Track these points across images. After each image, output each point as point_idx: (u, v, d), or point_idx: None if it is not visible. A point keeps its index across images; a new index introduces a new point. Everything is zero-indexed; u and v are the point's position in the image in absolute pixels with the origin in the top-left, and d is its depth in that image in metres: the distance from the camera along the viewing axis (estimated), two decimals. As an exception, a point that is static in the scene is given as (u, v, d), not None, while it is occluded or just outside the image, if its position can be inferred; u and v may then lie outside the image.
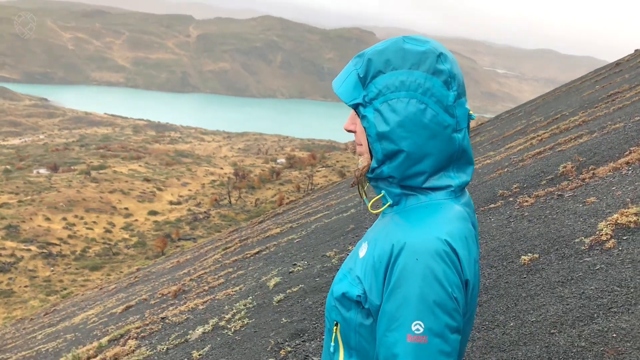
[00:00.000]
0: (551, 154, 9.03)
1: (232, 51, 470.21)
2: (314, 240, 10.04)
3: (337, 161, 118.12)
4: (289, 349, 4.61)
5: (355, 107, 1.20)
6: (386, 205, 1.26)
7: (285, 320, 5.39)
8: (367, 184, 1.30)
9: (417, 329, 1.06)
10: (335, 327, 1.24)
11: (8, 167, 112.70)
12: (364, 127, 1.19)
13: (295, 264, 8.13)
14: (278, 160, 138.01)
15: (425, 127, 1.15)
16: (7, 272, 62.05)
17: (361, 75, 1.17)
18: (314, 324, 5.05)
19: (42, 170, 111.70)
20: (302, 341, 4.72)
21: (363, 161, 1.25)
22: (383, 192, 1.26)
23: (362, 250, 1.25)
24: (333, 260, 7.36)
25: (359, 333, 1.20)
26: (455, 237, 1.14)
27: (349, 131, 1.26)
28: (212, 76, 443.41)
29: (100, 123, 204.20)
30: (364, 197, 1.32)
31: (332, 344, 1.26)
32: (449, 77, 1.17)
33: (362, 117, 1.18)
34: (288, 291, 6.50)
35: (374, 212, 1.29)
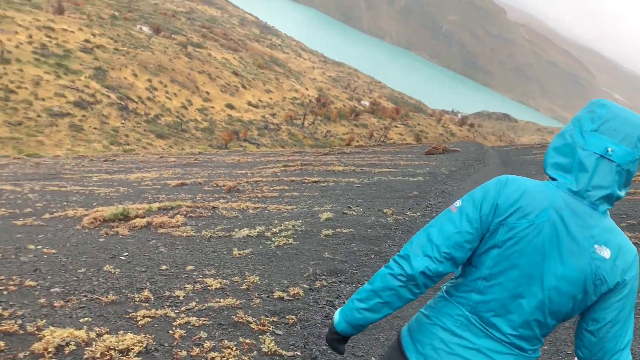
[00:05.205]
0: (641, 201, 8.60)
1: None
2: (374, 192, 10.05)
3: (418, 124, 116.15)
4: (325, 283, 4.72)
5: None
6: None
7: (328, 256, 5.51)
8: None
9: None
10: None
11: (116, 14, 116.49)
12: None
13: (350, 207, 8.20)
14: (362, 102, 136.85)
15: None
16: (84, 109, 65.26)
17: None
18: (354, 269, 5.14)
19: (145, 28, 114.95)
20: (339, 281, 4.82)
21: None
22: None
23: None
24: (389, 219, 7.38)
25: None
26: None
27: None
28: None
29: (211, 3, 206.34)
30: None
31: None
32: None
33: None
34: (337, 230, 6.59)
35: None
